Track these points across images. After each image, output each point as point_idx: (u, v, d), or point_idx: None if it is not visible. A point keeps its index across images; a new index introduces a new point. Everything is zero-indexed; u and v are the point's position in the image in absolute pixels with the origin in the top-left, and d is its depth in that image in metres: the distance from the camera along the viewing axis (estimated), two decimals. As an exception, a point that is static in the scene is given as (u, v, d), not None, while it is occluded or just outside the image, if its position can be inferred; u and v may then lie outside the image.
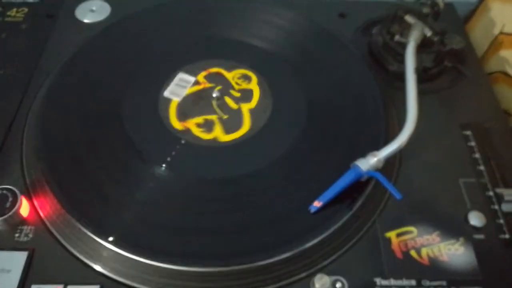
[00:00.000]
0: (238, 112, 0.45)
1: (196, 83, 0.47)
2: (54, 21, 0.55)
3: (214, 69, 0.49)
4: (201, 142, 0.43)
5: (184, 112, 0.46)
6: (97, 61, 0.49)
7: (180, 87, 0.44)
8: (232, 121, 0.45)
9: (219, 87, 0.47)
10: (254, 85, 0.46)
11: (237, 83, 0.46)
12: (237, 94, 0.46)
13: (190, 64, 0.50)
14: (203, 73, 0.48)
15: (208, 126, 0.44)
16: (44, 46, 0.52)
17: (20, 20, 0.54)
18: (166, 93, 0.45)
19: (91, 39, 0.51)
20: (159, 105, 0.46)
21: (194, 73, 0.48)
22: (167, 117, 0.45)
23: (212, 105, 0.46)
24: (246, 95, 0.46)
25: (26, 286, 0.35)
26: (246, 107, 0.45)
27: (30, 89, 0.48)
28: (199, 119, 0.45)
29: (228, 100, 0.46)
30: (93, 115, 0.45)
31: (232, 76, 0.46)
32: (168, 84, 0.47)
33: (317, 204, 0.37)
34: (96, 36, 0.51)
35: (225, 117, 0.45)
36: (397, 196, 0.36)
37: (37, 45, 0.52)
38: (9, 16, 0.55)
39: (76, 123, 0.44)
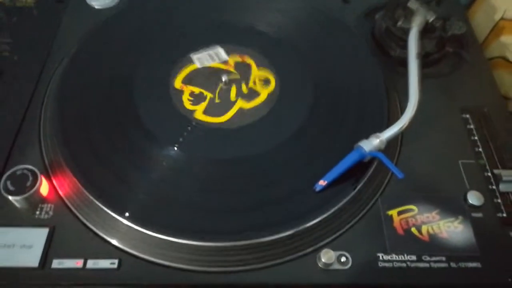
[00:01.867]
0: (231, 104, 0.46)
1: (225, 62, 0.49)
2: (64, 6, 0.55)
3: (248, 59, 0.49)
4: (205, 124, 0.45)
5: (191, 78, 0.48)
6: (110, 44, 0.50)
7: (209, 57, 0.46)
8: (218, 108, 0.46)
9: (236, 76, 0.48)
10: (265, 92, 0.46)
11: (254, 82, 0.47)
12: (245, 91, 0.47)
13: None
14: (236, 58, 0.49)
15: (198, 99, 0.47)
16: (56, 31, 0.53)
17: (31, 6, 0.55)
18: (194, 56, 0.47)
19: (105, 22, 0.52)
20: (174, 102, 0.47)
21: (228, 54, 0.50)
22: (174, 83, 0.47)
23: (217, 85, 0.48)
24: (250, 96, 0.47)
25: (47, 260, 0.37)
26: (240, 104, 0.46)
27: (44, 73, 0.49)
28: (196, 89, 0.47)
29: (232, 90, 0.48)
30: (107, 96, 0.46)
31: (257, 74, 0.47)
32: (196, 52, 0.48)
33: (322, 183, 0.39)
34: (110, 19, 0.52)
35: (217, 101, 0.47)
36: (399, 175, 0.38)
37: (48, 30, 0.53)
38: (20, 1, 0.55)
39: (91, 105, 0.45)
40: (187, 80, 0.48)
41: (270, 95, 0.47)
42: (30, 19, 0.54)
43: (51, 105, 0.45)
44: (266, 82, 0.47)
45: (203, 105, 0.46)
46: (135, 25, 0.53)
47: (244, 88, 0.47)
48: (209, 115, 0.46)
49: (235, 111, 0.46)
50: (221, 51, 0.48)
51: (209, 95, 0.47)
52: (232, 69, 0.49)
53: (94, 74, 0.48)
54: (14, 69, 0.49)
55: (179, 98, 0.47)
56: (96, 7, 0.56)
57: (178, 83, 0.48)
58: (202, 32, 0.53)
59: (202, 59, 0.47)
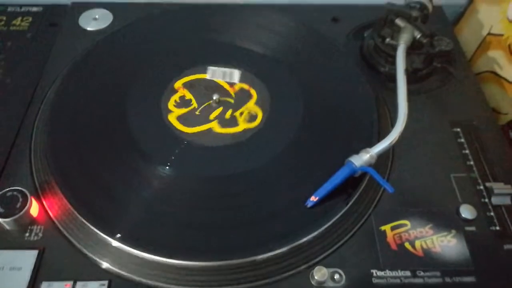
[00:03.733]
0: (205, 121, 0.47)
1: (230, 85, 0.50)
2: (58, 29, 0.56)
3: (250, 89, 0.50)
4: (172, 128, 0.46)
5: (193, 84, 0.50)
6: (102, 65, 0.51)
7: (222, 74, 0.47)
8: (193, 119, 0.47)
9: (230, 101, 0.49)
10: (243, 126, 0.47)
11: (241, 113, 0.47)
12: (227, 116, 0.47)
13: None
14: (244, 86, 0.50)
15: (182, 104, 0.48)
16: (49, 54, 0.53)
17: (25, 29, 0.56)
18: (210, 67, 0.48)
19: (96, 44, 0.53)
20: (162, 98, 0.48)
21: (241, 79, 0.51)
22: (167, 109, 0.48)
23: (206, 99, 0.49)
24: (228, 123, 0.47)
25: (36, 283, 0.36)
26: (213, 125, 0.46)
27: (36, 95, 0.49)
28: (188, 95, 0.49)
29: (217, 110, 0.48)
30: (99, 117, 0.46)
31: (250, 107, 0.48)
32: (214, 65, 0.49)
33: (313, 199, 0.39)
34: (100, 42, 0.53)
35: (197, 113, 0.48)
36: (389, 189, 0.38)
37: (42, 52, 0.53)
38: (14, 25, 0.56)
39: (82, 125, 0.45)
40: (188, 85, 0.50)
41: (246, 130, 0.47)
42: (24, 43, 0.54)
43: (42, 127, 0.45)
44: (252, 118, 0.47)
45: (182, 111, 0.47)
46: (127, 46, 0.53)
47: (228, 114, 0.48)
48: (180, 122, 0.47)
49: (203, 129, 0.46)
50: (236, 74, 0.49)
51: (194, 105, 0.48)
52: (232, 93, 0.49)
53: (85, 94, 0.48)
54: (6, 92, 0.49)
55: (168, 97, 0.49)
56: (89, 29, 0.57)
57: (179, 84, 0.49)
58: (197, 51, 0.54)
59: (215, 72, 0.49)
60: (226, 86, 0.50)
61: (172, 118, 0.47)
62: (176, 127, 0.46)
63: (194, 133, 0.46)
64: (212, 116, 0.48)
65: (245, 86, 0.50)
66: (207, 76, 0.51)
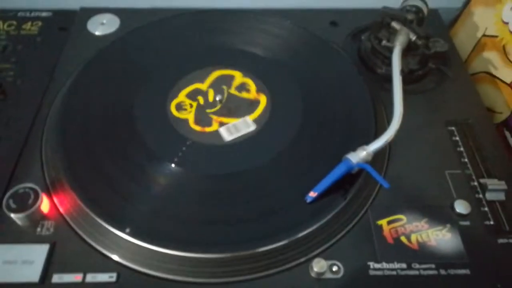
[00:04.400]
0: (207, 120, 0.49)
1: (247, 90, 0.52)
2: (67, 33, 0.58)
3: (261, 99, 0.51)
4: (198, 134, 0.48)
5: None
6: (111, 68, 0.53)
7: (235, 129, 0.47)
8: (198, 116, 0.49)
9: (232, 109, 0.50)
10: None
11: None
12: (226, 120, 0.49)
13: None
14: (260, 95, 0.51)
15: (192, 96, 0.51)
16: (59, 57, 0.55)
17: (35, 33, 0.57)
18: (224, 127, 0.48)
19: (107, 47, 0.54)
20: (167, 111, 0.50)
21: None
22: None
23: (212, 99, 0.51)
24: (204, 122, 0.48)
25: (48, 275, 0.38)
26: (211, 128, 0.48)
27: (47, 96, 0.51)
28: (194, 88, 0.52)
29: (216, 115, 0.49)
30: (107, 116, 0.48)
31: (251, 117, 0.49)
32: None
33: (312, 194, 0.40)
34: (110, 45, 0.55)
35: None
36: (385, 185, 0.39)
37: (51, 56, 0.55)
38: (24, 29, 0.58)
39: (91, 125, 0.47)
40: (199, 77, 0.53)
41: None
42: (33, 47, 0.56)
43: (53, 127, 0.47)
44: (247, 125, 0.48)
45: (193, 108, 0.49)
46: (134, 50, 0.55)
47: (225, 118, 0.49)
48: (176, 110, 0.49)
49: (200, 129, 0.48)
50: (249, 127, 0.48)
51: (200, 101, 0.50)
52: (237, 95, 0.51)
53: (94, 94, 0.50)
54: (18, 93, 0.51)
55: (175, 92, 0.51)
56: (97, 33, 0.59)
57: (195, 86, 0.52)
58: (201, 55, 0.55)
59: (229, 130, 0.48)
60: (234, 93, 0.52)
61: (173, 107, 0.49)
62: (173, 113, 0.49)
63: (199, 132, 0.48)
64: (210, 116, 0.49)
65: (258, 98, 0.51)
66: (224, 136, 0.48)
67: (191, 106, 0.50)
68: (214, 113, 0.50)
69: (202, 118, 0.49)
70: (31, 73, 0.53)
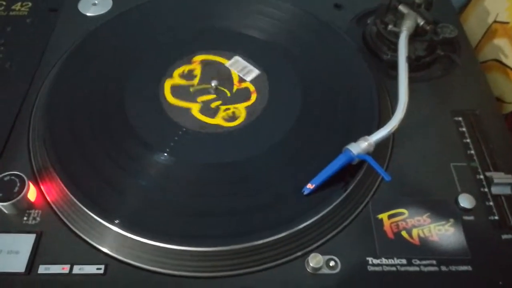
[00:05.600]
0: (192, 100, 0.47)
1: (240, 80, 0.49)
2: (57, 15, 0.56)
3: (253, 93, 0.49)
4: (199, 123, 0.46)
5: (209, 64, 0.50)
6: (100, 51, 0.51)
7: (242, 68, 0.46)
8: (184, 94, 0.47)
9: (227, 94, 0.48)
10: (219, 121, 0.46)
11: (226, 109, 0.47)
12: (212, 106, 0.47)
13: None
14: (249, 85, 0.49)
15: (187, 76, 0.49)
16: (48, 39, 0.53)
17: (24, 14, 0.56)
18: (238, 57, 0.49)
19: (95, 30, 0.52)
20: (159, 92, 0.48)
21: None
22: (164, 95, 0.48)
23: (209, 82, 0.48)
24: (208, 113, 0.46)
25: (34, 266, 0.37)
26: (193, 106, 0.46)
27: (35, 80, 0.49)
28: (198, 70, 0.49)
29: (208, 96, 0.48)
30: (97, 102, 0.46)
31: (239, 107, 0.47)
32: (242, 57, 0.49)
33: (310, 186, 0.39)
34: (99, 27, 0.53)
35: (191, 90, 0.48)
36: (386, 178, 0.37)
37: (41, 38, 0.53)
38: (14, 10, 0.56)
39: (80, 111, 0.45)
40: (205, 63, 0.50)
41: (216, 126, 0.45)
42: (23, 28, 0.54)
43: (41, 112, 0.45)
44: (231, 119, 0.46)
45: (181, 81, 0.48)
46: (126, 31, 0.53)
47: (214, 104, 0.47)
48: (171, 92, 0.47)
49: (184, 106, 0.47)
50: (253, 73, 0.48)
51: (195, 81, 0.49)
52: (234, 88, 0.49)
53: (83, 79, 0.48)
54: (5, 76, 0.49)
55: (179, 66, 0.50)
56: (89, 14, 0.57)
57: (198, 58, 0.51)
58: (198, 37, 0.53)
59: (237, 63, 0.48)
60: (235, 80, 0.49)
61: (167, 85, 0.47)
62: (164, 94, 0.47)
63: (173, 105, 0.46)
64: (200, 99, 0.47)
65: (251, 88, 0.49)
66: (228, 63, 0.50)
67: (191, 76, 0.48)
68: (210, 100, 0.48)
69: (187, 94, 0.47)
70: (19, 56, 0.51)
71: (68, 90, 0.47)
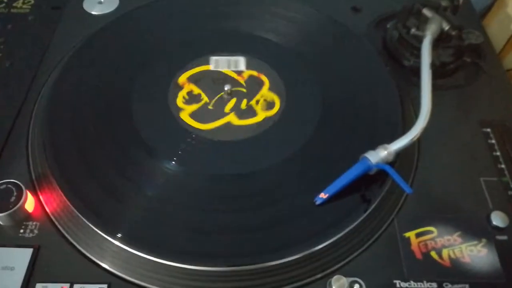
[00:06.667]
0: (222, 115, 0.44)
1: (238, 73, 0.47)
2: (60, 13, 0.54)
3: (263, 77, 0.47)
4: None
5: (198, 79, 0.46)
6: (104, 53, 0.48)
7: (227, 63, 0.44)
8: (207, 114, 0.44)
9: (242, 90, 0.46)
10: (263, 115, 0.44)
11: (257, 101, 0.44)
12: (243, 107, 0.45)
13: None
14: (253, 72, 0.47)
15: (193, 100, 0.45)
16: (51, 38, 0.51)
17: (26, 12, 0.54)
18: (213, 57, 0.47)
19: (100, 30, 0.50)
20: (168, 95, 0.45)
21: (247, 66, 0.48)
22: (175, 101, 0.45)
23: (218, 93, 0.46)
24: (246, 114, 0.44)
25: (30, 284, 0.34)
26: (231, 119, 0.44)
27: (36, 81, 0.47)
28: (196, 89, 0.45)
29: (231, 102, 0.45)
30: (100, 109, 0.44)
31: (265, 95, 0.45)
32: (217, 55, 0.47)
33: (322, 196, 0.36)
34: (104, 28, 0.50)
35: (210, 107, 0.45)
36: (407, 190, 0.35)
37: (43, 37, 0.51)
38: (15, 7, 0.54)
39: (83, 117, 0.43)
40: (193, 79, 0.47)
41: (267, 119, 0.44)
42: (24, 26, 0.52)
43: (41, 116, 0.42)
44: (270, 106, 0.44)
45: (194, 107, 0.44)
46: (133, 31, 0.50)
47: (243, 104, 0.45)
48: (194, 119, 0.43)
49: (222, 123, 0.43)
50: (241, 61, 0.46)
51: (205, 99, 0.45)
52: (242, 81, 0.46)
53: (86, 84, 0.45)
54: (5, 76, 0.47)
55: (175, 94, 0.45)
56: (94, 13, 0.55)
57: (183, 78, 0.46)
58: (210, 40, 0.51)
59: (219, 62, 0.46)
60: (234, 75, 0.47)
61: (185, 116, 0.44)
62: (191, 124, 0.43)
63: (211, 129, 0.43)
64: (227, 109, 0.45)
65: (254, 73, 0.47)
66: (211, 67, 0.48)
67: (196, 97, 0.45)
68: (226, 105, 0.45)
69: (212, 112, 0.44)
70: (20, 55, 0.49)
71: (70, 94, 0.44)
